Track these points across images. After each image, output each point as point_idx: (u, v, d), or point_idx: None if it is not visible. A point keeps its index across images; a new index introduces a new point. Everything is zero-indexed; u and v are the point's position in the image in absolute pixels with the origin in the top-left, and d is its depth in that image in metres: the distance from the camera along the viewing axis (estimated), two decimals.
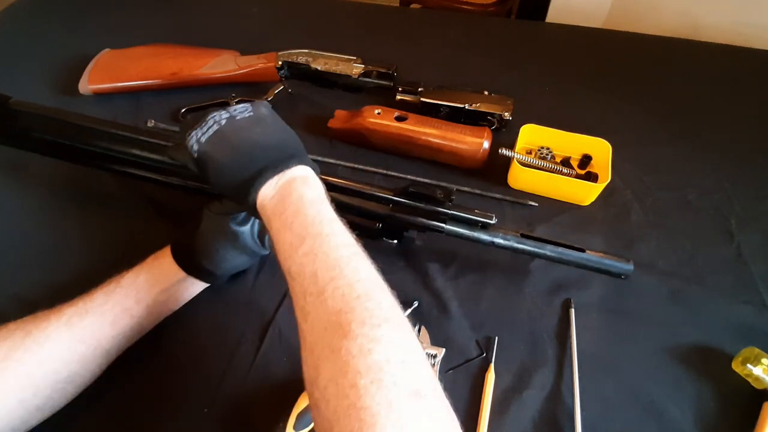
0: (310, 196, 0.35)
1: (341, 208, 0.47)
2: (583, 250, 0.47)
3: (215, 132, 0.38)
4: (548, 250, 0.47)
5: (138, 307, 0.43)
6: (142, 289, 0.43)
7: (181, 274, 0.44)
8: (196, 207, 0.45)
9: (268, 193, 0.36)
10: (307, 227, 0.33)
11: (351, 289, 0.30)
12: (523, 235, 0.47)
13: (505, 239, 0.47)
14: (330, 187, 0.46)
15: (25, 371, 0.37)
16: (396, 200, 0.48)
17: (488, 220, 0.47)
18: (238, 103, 0.68)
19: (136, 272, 0.43)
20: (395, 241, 0.51)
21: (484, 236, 0.47)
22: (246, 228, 0.46)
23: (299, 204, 0.34)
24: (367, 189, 0.48)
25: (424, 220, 0.48)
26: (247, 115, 0.39)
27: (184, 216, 0.45)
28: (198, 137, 0.38)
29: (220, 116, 0.39)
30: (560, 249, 0.46)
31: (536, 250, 0.47)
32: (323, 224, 0.34)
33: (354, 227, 0.47)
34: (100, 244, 0.54)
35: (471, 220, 0.47)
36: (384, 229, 0.50)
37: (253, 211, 0.37)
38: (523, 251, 0.47)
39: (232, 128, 0.38)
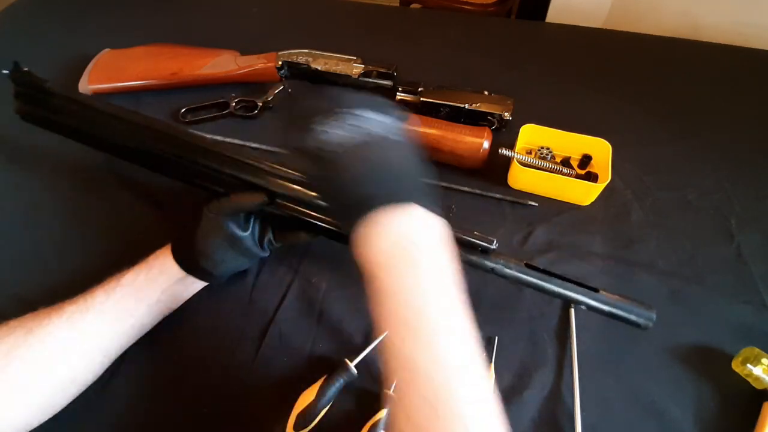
0: (438, 265, 0.30)
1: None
2: (596, 290, 0.42)
3: (360, 142, 0.32)
4: (555, 285, 0.43)
5: (138, 305, 0.43)
6: (143, 287, 0.43)
7: (181, 273, 0.44)
8: (197, 206, 0.45)
9: (380, 231, 0.30)
10: (425, 312, 0.28)
11: (461, 417, 0.26)
12: (527, 266, 0.43)
13: (507, 267, 0.43)
14: None
15: (27, 369, 0.37)
16: None
17: (488, 245, 0.43)
18: (238, 103, 0.69)
19: (136, 271, 0.43)
20: None
21: (486, 262, 0.43)
22: (246, 231, 0.46)
23: (421, 277, 0.28)
24: None
25: None
26: (399, 139, 0.34)
27: (185, 215, 0.45)
28: (334, 135, 0.32)
29: (370, 127, 0.33)
30: (570, 285, 0.43)
31: (541, 283, 0.43)
32: (445, 313, 0.28)
33: (345, 239, 0.47)
34: (101, 243, 0.54)
35: (469, 242, 0.43)
36: None
37: (351, 237, 0.32)
38: (526, 283, 0.43)
39: (379, 145, 0.32)
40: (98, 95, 0.70)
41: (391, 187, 0.31)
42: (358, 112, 0.33)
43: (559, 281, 0.43)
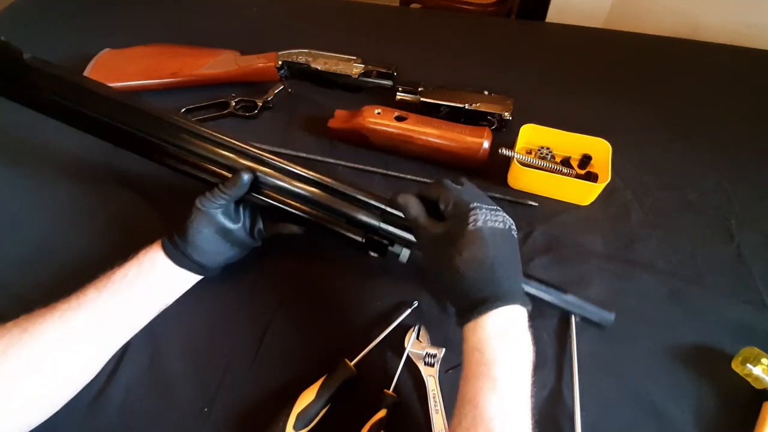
0: (522, 351, 0.36)
1: (327, 210, 0.46)
2: (565, 291, 0.46)
3: (498, 230, 0.38)
4: (531, 287, 0.45)
5: (130, 301, 0.42)
6: (133, 283, 0.43)
7: (172, 266, 0.44)
8: (189, 201, 0.45)
9: (494, 323, 0.36)
10: (506, 379, 0.34)
11: None
12: None
13: None
14: (320, 187, 0.46)
15: (23, 368, 0.37)
16: (385, 210, 0.45)
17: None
18: (238, 103, 0.69)
19: (127, 267, 0.43)
20: (378, 255, 0.48)
21: None
22: (237, 222, 0.46)
23: (509, 356, 0.35)
24: (359, 194, 0.46)
25: (407, 235, 0.45)
26: (512, 234, 0.40)
27: (179, 211, 0.45)
28: (487, 221, 0.38)
29: (507, 220, 0.40)
30: (542, 286, 0.45)
31: None
32: (519, 401, 0.34)
33: (338, 238, 0.47)
34: (100, 243, 0.54)
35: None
36: (368, 242, 0.47)
37: (463, 314, 0.37)
38: None
39: (502, 238, 0.38)
40: None
41: (508, 287, 0.37)
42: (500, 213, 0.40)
43: (536, 282, 0.45)
